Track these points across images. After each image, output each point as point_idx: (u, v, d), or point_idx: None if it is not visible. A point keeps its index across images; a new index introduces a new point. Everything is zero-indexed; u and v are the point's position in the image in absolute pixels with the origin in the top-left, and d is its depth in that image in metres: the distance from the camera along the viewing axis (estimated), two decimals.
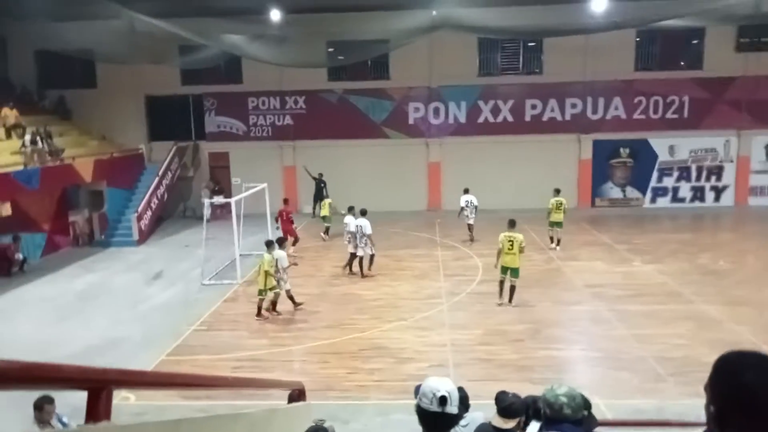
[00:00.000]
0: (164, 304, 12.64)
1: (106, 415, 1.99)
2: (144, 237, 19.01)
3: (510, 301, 11.58)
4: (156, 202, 20.10)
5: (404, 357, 9.45)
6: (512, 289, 11.56)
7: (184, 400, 7.74)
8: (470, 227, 17.36)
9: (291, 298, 11.67)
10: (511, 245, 11.42)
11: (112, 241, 18.64)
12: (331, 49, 22.58)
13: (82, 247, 18.71)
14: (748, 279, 13.19)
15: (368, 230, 13.77)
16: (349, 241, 14.28)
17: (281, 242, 12.43)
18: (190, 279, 14.42)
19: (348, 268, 14.29)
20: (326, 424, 5.29)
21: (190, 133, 23.48)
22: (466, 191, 17.93)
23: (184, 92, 23.23)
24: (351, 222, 14.26)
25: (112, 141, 22.04)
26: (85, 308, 12.43)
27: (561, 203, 16.31)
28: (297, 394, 5.18)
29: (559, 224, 16.36)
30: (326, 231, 18.37)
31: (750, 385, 1.45)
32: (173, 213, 23.24)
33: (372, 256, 14.11)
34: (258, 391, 7.93)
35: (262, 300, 11.44)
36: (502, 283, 11.69)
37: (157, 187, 20.22)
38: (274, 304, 11.55)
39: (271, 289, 11.38)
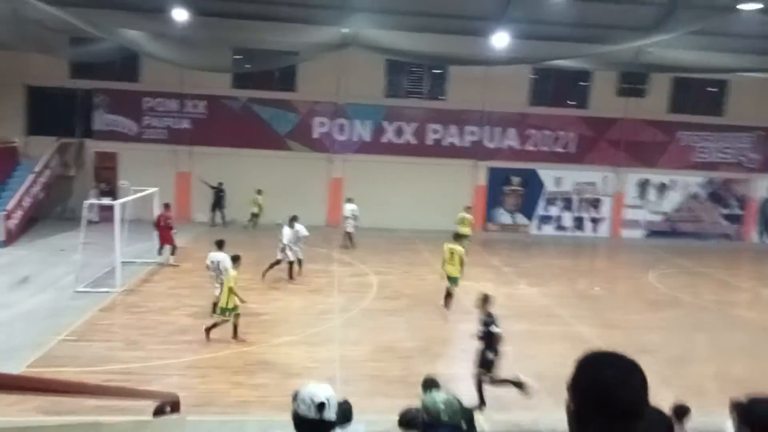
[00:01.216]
0: (29, 312, 11.47)
1: None
2: (12, 238, 17.28)
3: (446, 306, 12.35)
4: (29, 200, 18.40)
5: (291, 372, 9.21)
6: (448, 295, 12.36)
7: (43, 415, 7.00)
8: (350, 236, 18.78)
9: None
10: (452, 255, 12.46)
11: None
12: (237, 56, 22.05)
13: None
14: (618, 304, 14.29)
15: (305, 233, 14.83)
16: (282, 251, 14.47)
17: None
18: (63, 286, 13.23)
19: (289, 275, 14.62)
20: None
21: (75, 129, 21.79)
22: (350, 200, 19.30)
23: (72, 86, 21.60)
24: (286, 233, 14.42)
25: None
26: None
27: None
28: (170, 407, 4.83)
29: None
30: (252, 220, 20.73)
31: (607, 382, 1.49)
32: (50, 213, 21.35)
33: (300, 261, 14.85)
34: (128, 403, 7.39)
35: (225, 321, 10.25)
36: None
37: (31, 185, 18.53)
38: (235, 328, 10.38)
39: (232, 310, 10.20)
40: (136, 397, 6.17)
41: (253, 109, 22.57)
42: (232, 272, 10.29)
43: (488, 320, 8.19)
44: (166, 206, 16.12)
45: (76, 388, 4.05)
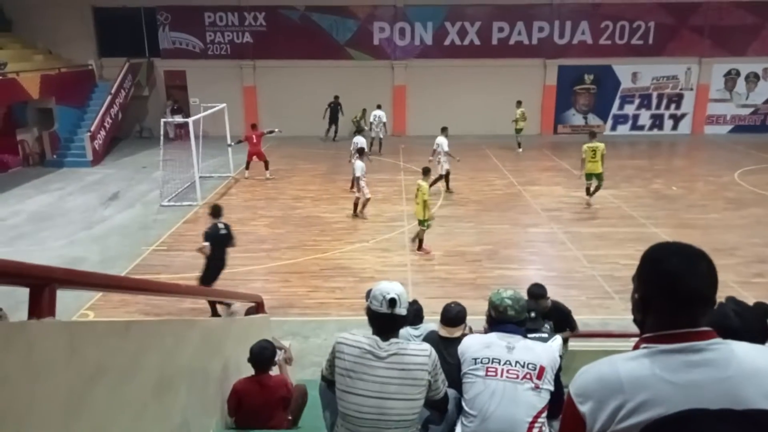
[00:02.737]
0: (122, 225, 12.44)
1: (50, 312, 1.98)
2: (99, 158, 18.40)
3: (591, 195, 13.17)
4: (110, 121, 19.32)
5: (365, 276, 9.64)
6: None
7: (145, 318, 7.79)
8: (380, 142, 19.17)
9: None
10: (594, 154, 12.85)
11: (65, 162, 18.00)
12: None
13: (33, 167, 18.03)
14: (696, 203, 13.72)
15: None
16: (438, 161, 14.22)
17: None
18: (149, 201, 14.16)
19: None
20: (285, 341, 5.43)
21: (143, 49, 22.28)
22: (378, 107, 19.75)
23: (135, 4, 21.83)
24: (443, 142, 14.29)
25: (58, 56, 20.76)
26: (39, 229, 12.13)
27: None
28: (255, 308, 5.27)
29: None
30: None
31: (672, 271, 1.52)
32: (129, 133, 22.46)
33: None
34: (219, 307, 8.08)
35: (423, 231, 10.57)
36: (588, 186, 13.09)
37: (110, 106, 19.36)
38: (421, 241, 10.64)
39: (426, 221, 10.43)
40: (225, 297, 6.75)
41: (312, 18, 22.14)
42: (423, 184, 10.39)
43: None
44: (253, 126, 16.61)
45: (172, 288, 4.50)
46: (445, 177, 14.42)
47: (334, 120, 21.51)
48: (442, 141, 14.29)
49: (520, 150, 19.39)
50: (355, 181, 13.07)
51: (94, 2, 21.82)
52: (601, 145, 12.96)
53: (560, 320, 5.79)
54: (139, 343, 2.49)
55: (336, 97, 21.34)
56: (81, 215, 13.06)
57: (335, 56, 22.31)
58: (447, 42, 22.38)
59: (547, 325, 4.66)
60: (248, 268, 10.09)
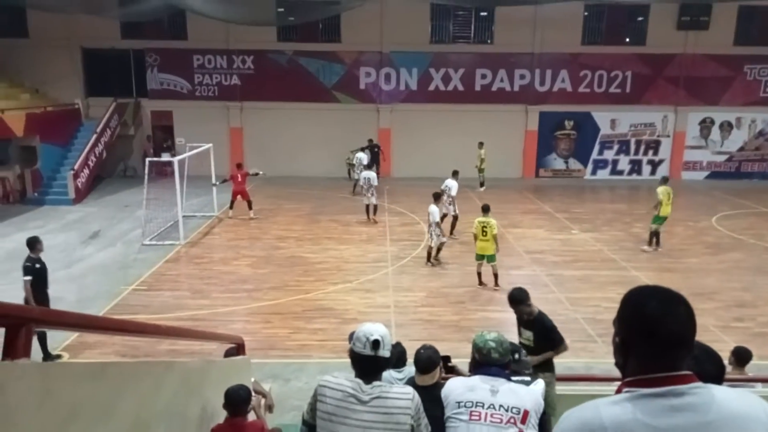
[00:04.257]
0: (102, 264, 12.26)
1: (25, 353, 1.94)
2: (81, 196, 18.25)
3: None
4: (94, 159, 19.26)
5: (348, 318, 9.55)
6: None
7: (122, 359, 7.59)
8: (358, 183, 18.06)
9: (438, 250, 12.23)
10: (669, 197, 12.87)
11: (46, 199, 17.81)
12: (280, 9, 21.92)
13: (13, 204, 17.80)
14: (675, 248, 13.92)
15: (375, 182, 15.95)
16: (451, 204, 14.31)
17: (437, 197, 12.32)
18: (130, 239, 14.01)
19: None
20: (266, 384, 5.32)
21: (130, 89, 22.48)
22: (363, 149, 20.10)
23: (124, 46, 22.14)
24: (452, 185, 14.13)
25: (45, 95, 20.84)
26: (16, 267, 11.84)
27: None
28: (235, 349, 5.18)
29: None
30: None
31: (652, 314, 1.55)
32: (113, 172, 22.38)
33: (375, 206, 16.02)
34: (198, 348, 7.91)
35: (496, 266, 10.91)
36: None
37: (95, 145, 19.35)
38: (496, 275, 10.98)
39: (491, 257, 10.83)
40: (204, 339, 6.60)
41: (300, 62, 22.57)
42: (492, 220, 10.87)
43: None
44: (239, 165, 16.65)
45: (150, 329, 4.41)
46: (453, 220, 14.30)
47: (375, 162, 20.77)
48: (452, 184, 14.11)
49: (482, 189, 20.11)
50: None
51: (83, 43, 22.07)
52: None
53: (542, 333, 5.73)
54: (115, 385, 2.43)
55: (370, 141, 21.27)
56: (60, 254, 12.84)
57: (322, 99, 22.66)
58: (431, 87, 22.89)
59: (529, 362, 4.62)
60: (229, 309, 9.96)
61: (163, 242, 13.66)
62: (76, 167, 18.13)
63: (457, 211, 14.32)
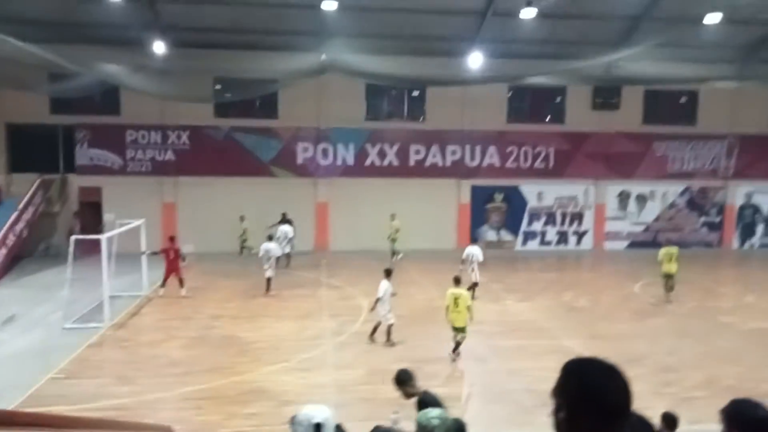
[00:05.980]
0: (16, 352, 11.35)
1: None
2: None
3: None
4: (13, 238, 18.26)
5: (285, 399, 9.20)
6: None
7: None
8: (287, 256, 19.11)
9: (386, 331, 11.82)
10: (670, 258, 14.58)
11: None
12: (218, 86, 22.24)
13: None
14: (604, 315, 14.47)
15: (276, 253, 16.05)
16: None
17: (388, 273, 12.26)
18: (50, 323, 13.12)
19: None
20: None
21: (57, 165, 21.77)
22: (288, 222, 20.43)
23: (53, 122, 21.64)
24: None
25: None
26: None
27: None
28: None
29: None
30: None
31: (597, 385, 1.62)
32: (34, 251, 21.19)
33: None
34: None
35: (464, 338, 11.06)
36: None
37: (14, 223, 18.39)
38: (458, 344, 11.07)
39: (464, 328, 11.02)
40: (129, 430, 6.18)
41: (236, 137, 22.71)
42: (466, 293, 11.24)
43: None
44: (172, 239, 16.20)
45: (69, 422, 4.08)
46: (473, 286, 14.82)
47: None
48: (477, 251, 15.32)
49: (398, 257, 20.49)
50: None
51: (8, 118, 21.39)
52: (675, 250, 15.47)
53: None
54: None
55: (284, 214, 20.98)
56: None
57: (258, 173, 22.72)
58: (368, 162, 23.49)
59: None
60: (157, 395, 9.39)
61: (86, 325, 12.87)
62: None
63: (478, 278, 15.34)
